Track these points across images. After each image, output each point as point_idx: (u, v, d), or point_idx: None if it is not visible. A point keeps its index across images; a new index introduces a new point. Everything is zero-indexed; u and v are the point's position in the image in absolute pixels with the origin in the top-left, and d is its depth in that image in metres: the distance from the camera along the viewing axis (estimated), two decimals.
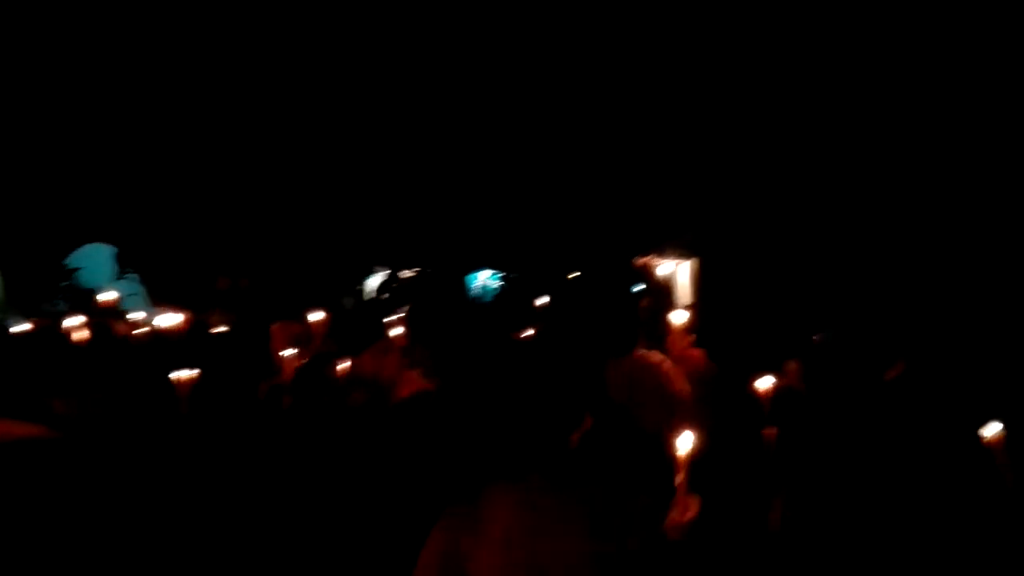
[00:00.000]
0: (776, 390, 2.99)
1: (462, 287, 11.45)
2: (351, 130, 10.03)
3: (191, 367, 2.82)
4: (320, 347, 4.93)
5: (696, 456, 1.83)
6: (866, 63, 7.07)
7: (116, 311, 4.50)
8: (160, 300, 9.47)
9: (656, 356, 3.56)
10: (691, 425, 1.88)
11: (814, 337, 4.12)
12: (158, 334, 3.96)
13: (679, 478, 1.80)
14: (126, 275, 10.58)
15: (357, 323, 6.07)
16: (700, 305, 6.60)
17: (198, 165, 10.06)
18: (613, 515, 1.57)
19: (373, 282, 10.90)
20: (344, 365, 3.61)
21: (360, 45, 9.31)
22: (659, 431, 3.33)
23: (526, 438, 1.63)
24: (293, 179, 10.27)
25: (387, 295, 9.46)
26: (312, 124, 9.92)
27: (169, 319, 4.22)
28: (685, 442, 1.83)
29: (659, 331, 4.10)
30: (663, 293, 9.31)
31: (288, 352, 3.60)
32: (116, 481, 1.61)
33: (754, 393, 3.09)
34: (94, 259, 10.44)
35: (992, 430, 2.05)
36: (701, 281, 8.66)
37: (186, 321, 4.64)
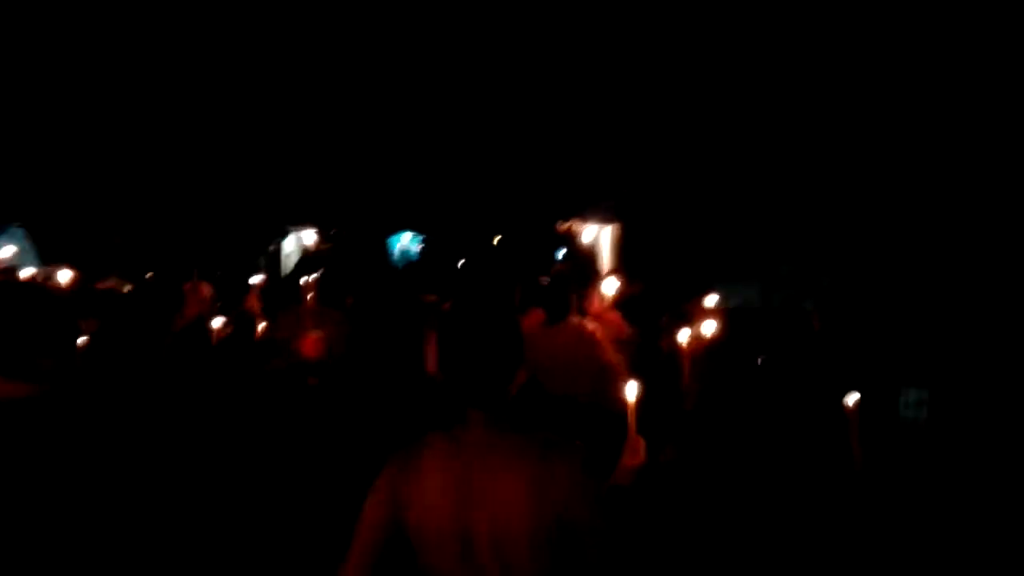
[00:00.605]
0: (692, 347, 3.09)
1: (382, 249, 11.21)
2: (266, 85, 9.49)
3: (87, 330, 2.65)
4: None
5: (640, 404, 1.93)
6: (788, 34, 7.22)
7: (9, 268, 4.14)
8: (51, 257, 8.75)
9: (590, 326, 3.58)
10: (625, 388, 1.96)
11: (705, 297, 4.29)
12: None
13: (629, 422, 1.89)
14: (9, 229, 9.73)
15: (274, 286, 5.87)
16: (623, 269, 6.70)
17: (90, 108, 9.28)
18: (551, 454, 1.57)
19: (287, 243, 10.50)
20: (262, 327, 3.48)
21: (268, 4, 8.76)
22: (590, 398, 3.37)
23: (463, 388, 1.62)
24: (200, 132, 9.66)
25: (307, 258, 9.15)
26: (224, 79, 9.31)
27: (66, 276, 3.93)
28: (632, 390, 1.92)
29: (581, 296, 4.15)
30: (586, 258, 9.43)
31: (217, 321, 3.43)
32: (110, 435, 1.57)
33: (673, 350, 3.20)
34: None
35: (852, 398, 2.21)
36: (623, 246, 8.79)
37: (77, 280, 4.30)
